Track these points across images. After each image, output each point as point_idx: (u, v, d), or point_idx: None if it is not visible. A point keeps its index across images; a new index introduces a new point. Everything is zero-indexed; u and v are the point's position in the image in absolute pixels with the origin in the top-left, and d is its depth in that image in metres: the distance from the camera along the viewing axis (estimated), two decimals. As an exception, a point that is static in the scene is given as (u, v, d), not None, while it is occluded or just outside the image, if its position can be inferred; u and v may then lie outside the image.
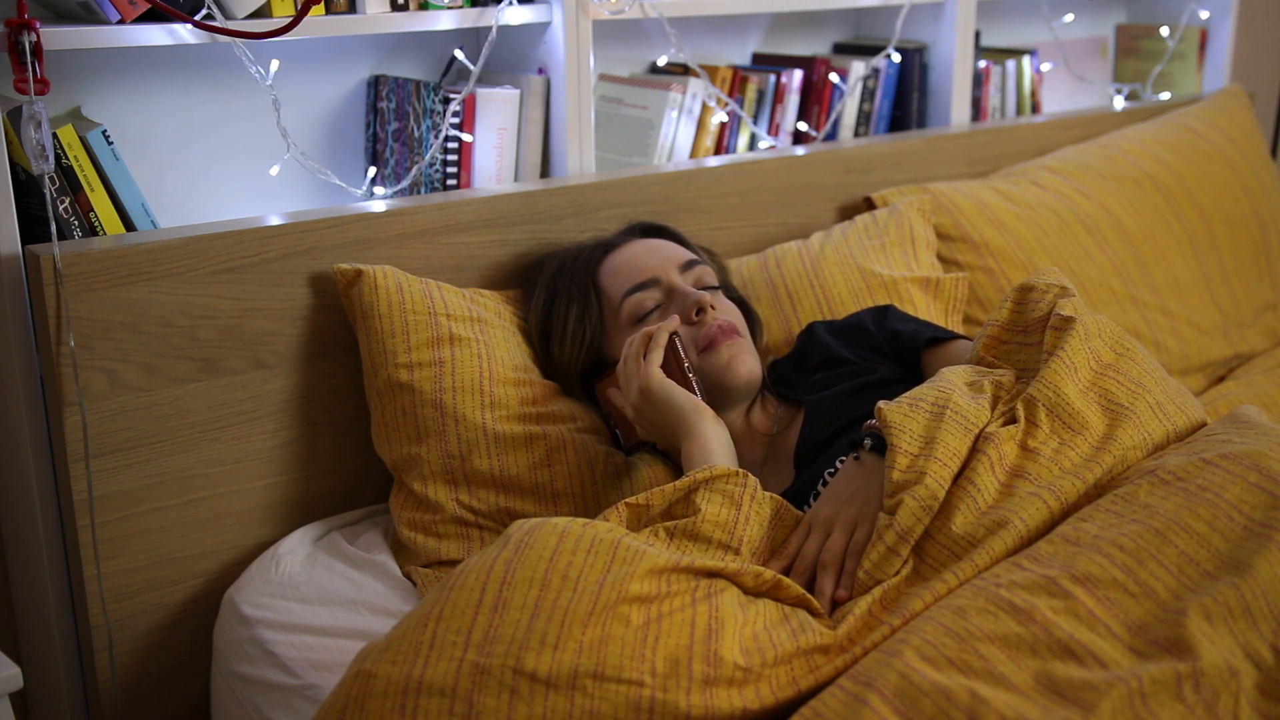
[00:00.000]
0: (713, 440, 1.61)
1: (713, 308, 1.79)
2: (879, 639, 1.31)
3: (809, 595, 1.40)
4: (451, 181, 2.09)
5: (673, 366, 1.69)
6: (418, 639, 1.25)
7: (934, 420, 1.47)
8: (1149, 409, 1.51)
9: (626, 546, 1.32)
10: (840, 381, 1.80)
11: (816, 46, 2.69)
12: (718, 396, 1.76)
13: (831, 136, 2.53)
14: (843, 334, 1.90)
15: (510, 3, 2.06)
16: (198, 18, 1.78)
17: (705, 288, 1.85)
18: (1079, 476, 1.43)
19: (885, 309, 1.93)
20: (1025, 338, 1.62)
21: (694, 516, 1.44)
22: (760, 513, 1.49)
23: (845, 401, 1.75)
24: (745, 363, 1.76)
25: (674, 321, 1.73)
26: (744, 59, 2.60)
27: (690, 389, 1.68)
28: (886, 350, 1.85)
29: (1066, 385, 1.51)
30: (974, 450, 1.47)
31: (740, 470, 1.51)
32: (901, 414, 1.48)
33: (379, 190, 2.11)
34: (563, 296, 1.86)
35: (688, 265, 1.85)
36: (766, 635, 1.31)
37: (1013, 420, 1.50)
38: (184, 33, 1.78)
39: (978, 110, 2.74)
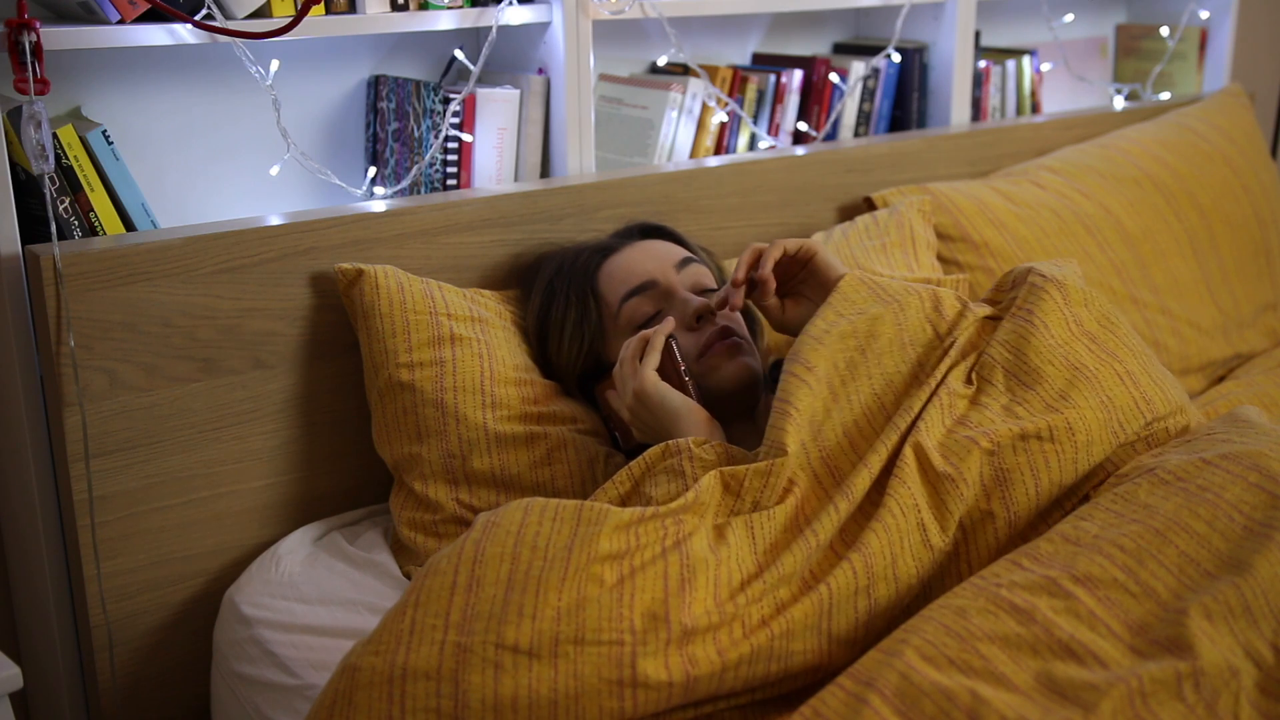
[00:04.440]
0: None
1: (713, 313, 1.79)
2: (844, 581, 1.36)
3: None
4: (451, 181, 2.09)
5: (669, 370, 1.69)
6: (397, 628, 1.27)
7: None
8: (1115, 376, 1.54)
9: (590, 508, 1.36)
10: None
11: (816, 46, 2.68)
12: (722, 406, 1.75)
13: (831, 136, 2.53)
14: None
15: (510, 3, 2.06)
16: (198, 18, 1.78)
17: (703, 290, 1.84)
18: (1017, 422, 1.48)
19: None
20: (998, 294, 1.70)
21: (650, 506, 1.45)
22: (705, 463, 1.50)
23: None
24: (749, 371, 1.76)
25: (670, 324, 1.72)
26: (744, 59, 2.60)
27: (686, 392, 1.67)
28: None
29: (1033, 340, 1.56)
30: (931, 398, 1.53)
31: (671, 442, 1.52)
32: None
33: (379, 190, 2.11)
34: (560, 301, 1.86)
35: (683, 262, 1.84)
36: (737, 568, 1.35)
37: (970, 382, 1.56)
38: (184, 33, 1.78)
39: (978, 110, 2.74)
